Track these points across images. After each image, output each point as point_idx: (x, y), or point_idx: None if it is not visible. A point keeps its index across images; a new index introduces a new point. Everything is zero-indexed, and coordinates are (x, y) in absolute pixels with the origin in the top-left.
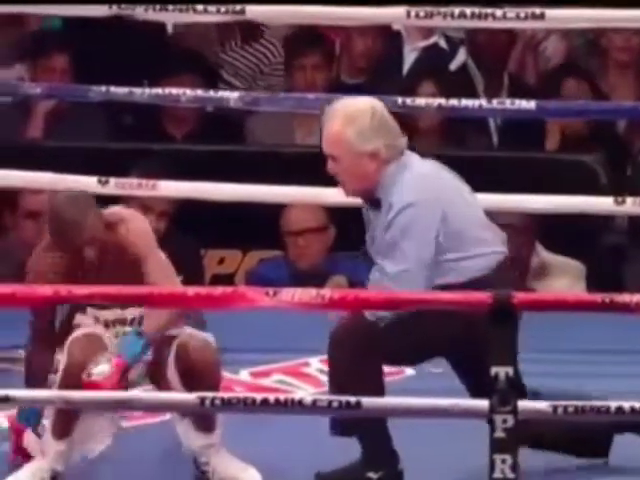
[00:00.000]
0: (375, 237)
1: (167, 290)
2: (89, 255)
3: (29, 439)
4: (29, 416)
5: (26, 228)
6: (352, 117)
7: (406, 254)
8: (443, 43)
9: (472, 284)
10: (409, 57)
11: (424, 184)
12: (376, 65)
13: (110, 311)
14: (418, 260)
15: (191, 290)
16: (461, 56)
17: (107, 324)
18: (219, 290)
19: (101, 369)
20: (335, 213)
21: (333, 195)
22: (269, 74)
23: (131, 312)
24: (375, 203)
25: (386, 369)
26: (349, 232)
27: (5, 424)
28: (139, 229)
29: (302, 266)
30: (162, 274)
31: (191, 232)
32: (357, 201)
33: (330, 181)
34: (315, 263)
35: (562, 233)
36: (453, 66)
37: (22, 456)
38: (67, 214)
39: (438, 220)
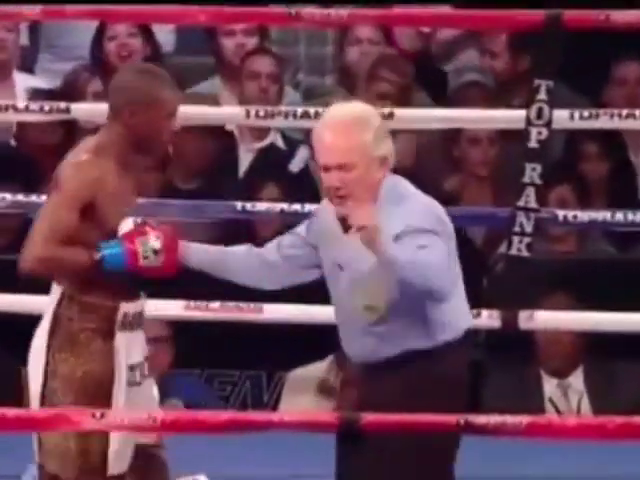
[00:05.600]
0: (347, 260)
1: None
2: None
3: None
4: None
5: None
6: (365, 119)
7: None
8: (281, 143)
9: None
10: (244, 159)
11: (439, 214)
12: (210, 168)
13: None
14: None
15: (11, 412)
16: (301, 156)
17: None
18: (42, 412)
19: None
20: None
21: (173, 308)
22: None
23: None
24: None
25: None
26: (185, 348)
27: None
28: None
29: None
30: None
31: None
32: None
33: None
34: (160, 376)
35: None
36: (294, 167)
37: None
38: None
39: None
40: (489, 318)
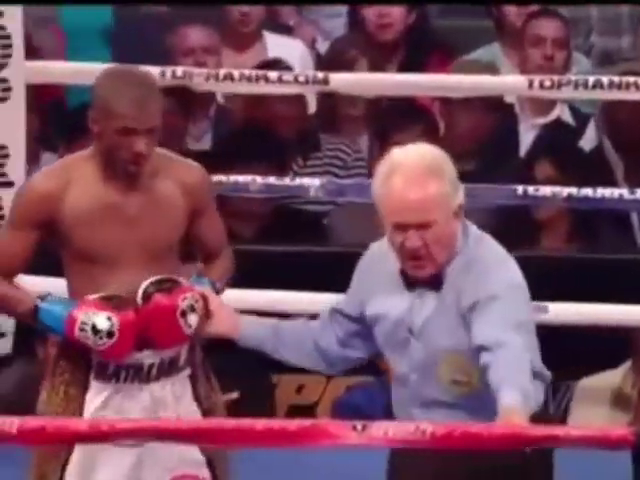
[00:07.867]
0: (423, 326)
1: (231, 424)
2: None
3: None
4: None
5: None
6: (439, 167)
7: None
8: (568, 117)
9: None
10: (526, 137)
11: (516, 268)
12: (486, 147)
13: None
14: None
15: (260, 424)
16: (591, 133)
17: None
18: (295, 423)
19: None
20: None
21: None
22: (348, 176)
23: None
24: (434, 282)
25: None
26: None
27: None
28: (200, 175)
29: None
30: (218, 235)
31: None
32: None
33: None
34: None
35: None
36: (585, 145)
37: None
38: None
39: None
40: None
